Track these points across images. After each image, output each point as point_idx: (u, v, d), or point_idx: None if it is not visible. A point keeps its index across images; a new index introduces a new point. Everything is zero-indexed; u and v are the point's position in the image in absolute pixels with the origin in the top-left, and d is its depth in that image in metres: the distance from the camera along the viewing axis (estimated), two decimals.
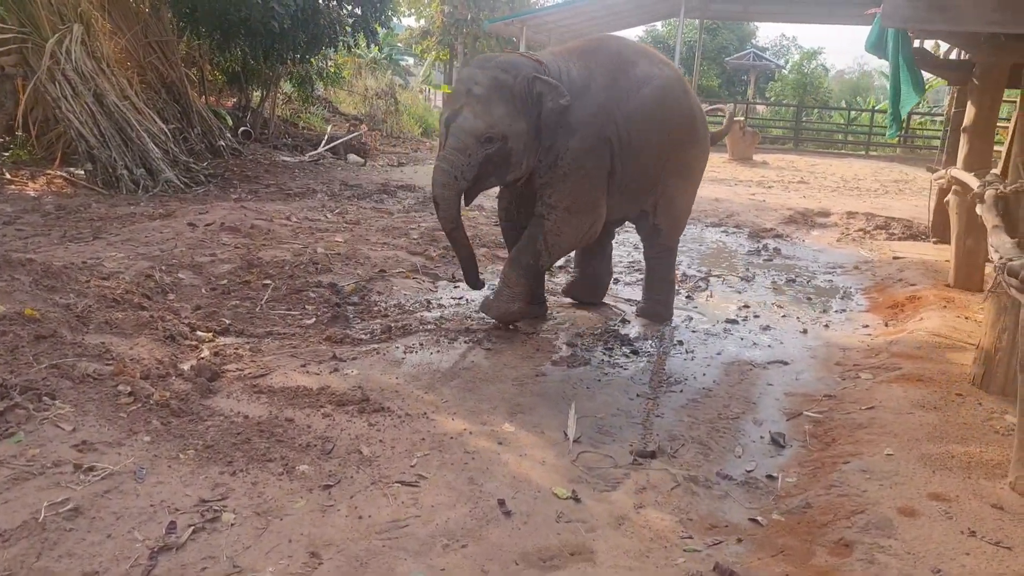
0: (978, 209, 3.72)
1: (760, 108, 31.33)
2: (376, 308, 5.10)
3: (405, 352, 4.28)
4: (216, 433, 3.09)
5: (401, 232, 7.09)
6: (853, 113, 29.30)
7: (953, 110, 8.45)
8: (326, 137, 14.52)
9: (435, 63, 33.18)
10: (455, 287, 5.77)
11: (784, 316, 5.55)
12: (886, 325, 5.32)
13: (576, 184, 4.44)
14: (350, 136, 15.29)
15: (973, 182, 4.38)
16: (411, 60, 34.84)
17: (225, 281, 5.28)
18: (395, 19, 18.12)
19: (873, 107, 29.86)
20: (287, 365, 3.93)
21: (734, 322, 5.33)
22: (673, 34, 31.11)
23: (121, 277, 4.90)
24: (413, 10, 32.21)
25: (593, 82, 4.47)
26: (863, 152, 23.93)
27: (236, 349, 4.12)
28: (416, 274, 5.92)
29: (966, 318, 5.14)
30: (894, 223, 9.22)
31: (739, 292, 6.22)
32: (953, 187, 5.95)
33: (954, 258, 6.00)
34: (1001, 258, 2.84)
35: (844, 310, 5.82)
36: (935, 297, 5.63)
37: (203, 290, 5.09)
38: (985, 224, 3.46)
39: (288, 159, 12.07)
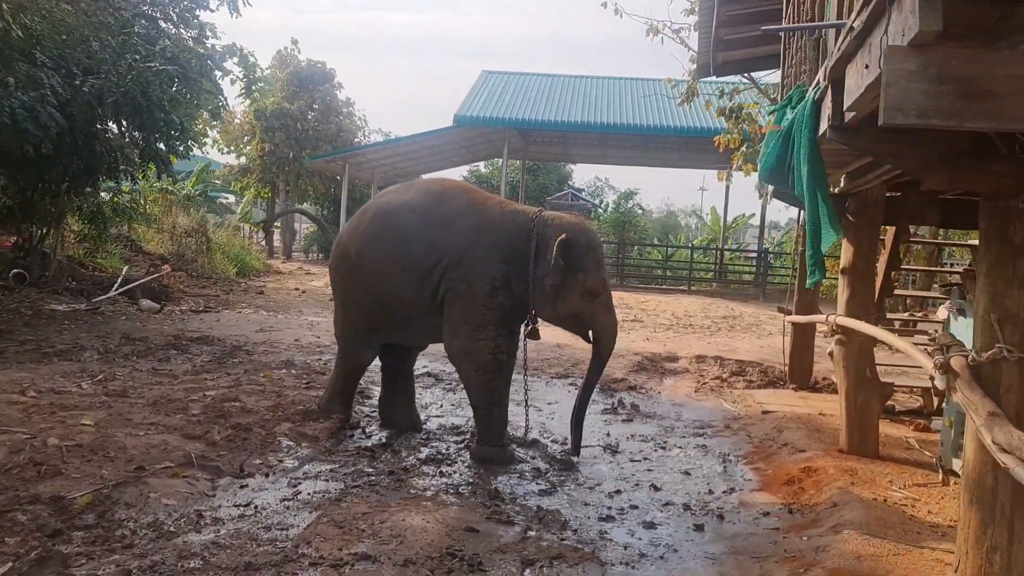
0: (938, 382, 2.82)
1: None
2: (118, 533, 3.54)
3: None
4: None
5: (179, 406, 5.50)
6: (670, 250, 30.18)
7: (800, 248, 8.05)
8: (120, 279, 12.67)
9: (256, 201, 31.66)
10: (241, 486, 4.28)
11: (667, 504, 4.46)
12: (790, 511, 4.32)
13: None
14: (148, 278, 13.49)
15: (907, 345, 3.56)
16: (232, 198, 33.22)
17: None
18: (196, 150, 16.61)
19: (691, 244, 31.05)
20: None
21: (609, 519, 4.16)
22: (496, 175, 31.46)
23: None
24: (232, 147, 30.80)
25: None
26: (685, 287, 24.37)
27: None
28: (189, 469, 4.37)
29: (884, 500, 4.24)
30: (749, 368, 8.59)
31: (606, 466, 5.13)
32: (837, 336, 5.22)
33: (845, 418, 5.19)
34: None
35: (732, 489, 4.80)
36: (835, 469, 4.74)
37: None
38: (968, 408, 2.53)
39: (60, 307, 10.14)
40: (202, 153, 19.37)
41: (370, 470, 4.70)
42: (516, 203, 5.40)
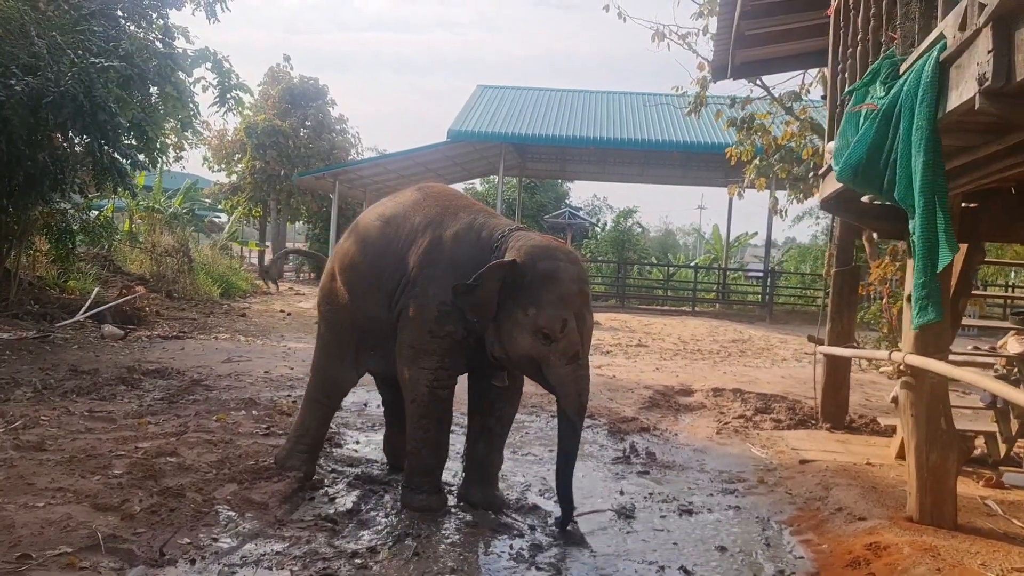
0: None
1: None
2: None
3: None
4: None
5: (101, 462, 4.51)
6: (672, 269, 29.33)
7: (835, 269, 7.13)
8: (88, 303, 11.73)
9: (246, 219, 30.79)
10: None
11: None
12: None
13: None
14: (118, 300, 12.55)
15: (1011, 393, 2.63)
16: (224, 216, 32.44)
17: None
18: (174, 165, 15.70)
19: (694, 263, 30.19)
20: None
21: None
22: (492, 192, 30.65)
23: None
24: (223, 165, 30.02)
25: None
26: (688, 308, 23.51)
27: None
28: (92, 555, 3.38)
29: None
30: (775, 404, 7.63)
31: (621, 540, 4.16)
32: (903, 379, 4.27)
33: (915, 479, 4.23)
34: None
35: (782, 572, 3.83)
36: (910, 548, 3.77)
37: None
38: None
39: (5, 336, 9.17)
40: (180, 168, 18.38)
41: (327, 551, 3.72)
42: (495, 216, 4.60)
